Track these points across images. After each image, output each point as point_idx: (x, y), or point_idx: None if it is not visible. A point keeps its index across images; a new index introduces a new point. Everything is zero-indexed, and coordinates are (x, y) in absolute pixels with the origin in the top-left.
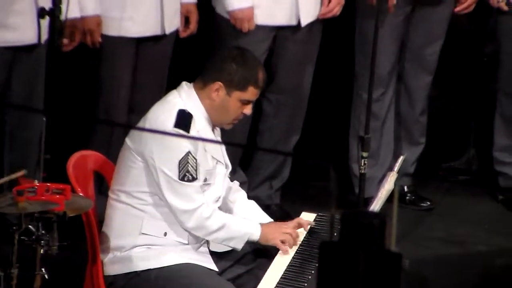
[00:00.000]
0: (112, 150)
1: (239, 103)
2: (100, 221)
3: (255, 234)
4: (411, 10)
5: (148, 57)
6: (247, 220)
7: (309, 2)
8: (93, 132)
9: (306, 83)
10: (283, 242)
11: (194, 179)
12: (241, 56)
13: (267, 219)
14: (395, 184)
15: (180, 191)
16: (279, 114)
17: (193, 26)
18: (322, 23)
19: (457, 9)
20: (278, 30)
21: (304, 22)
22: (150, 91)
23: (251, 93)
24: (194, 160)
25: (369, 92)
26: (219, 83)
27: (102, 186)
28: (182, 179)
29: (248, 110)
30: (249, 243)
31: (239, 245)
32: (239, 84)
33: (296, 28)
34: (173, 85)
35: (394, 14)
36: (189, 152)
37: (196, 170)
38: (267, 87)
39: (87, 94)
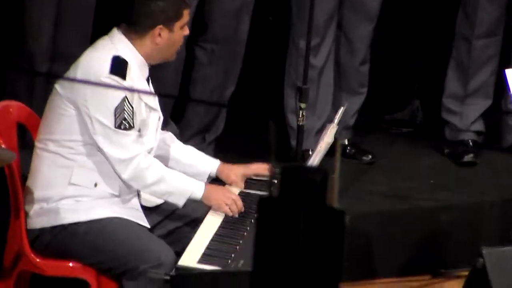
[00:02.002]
0: (36, 101)
1: (181, 31)
2: (23, 175)
3: (197, 193)
4: None
5: (71, 6)
6: (189, 177)
7: None
8: (15, 82)
9: (242, 32)
10: (226, 205)
11: (130, 127)
12: None
13: (213, 162)
14: (335, 137)
15: (116, 140)
16: (214, 63)
17: None
18: None
19: None
20: None
21: None
22: (75, 39)
23: (186, 14)
24: (131, 108)
25: (307, 41)
26: (159, 26)
27: (24, 139)
28: (119, 127)
29: (186, 31)
30: (191, 200)
31: (179, 201)
32: (176, 15)
33: None
34: (101, 32)
35: None
36: (125, 99)
37: (132, 118)
38: (201, 35)
39: (8, 43)
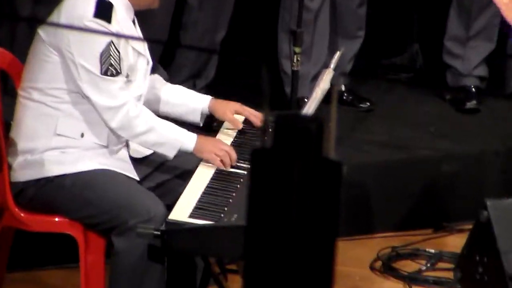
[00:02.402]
0: (18, 47)
1: None
2: (6, 124)
3: (189, 144)
4: None
5: None
6: (181, 128)
7: None
8: None
9: None
10: (218, 157)
11: (118, 73)
12: None
13: (204, 98)
14: (331, 83)
15: (103, 87)
16: (204, 6)
17: None
18: None
19: None
20: None
21: None
22: None
23: None
24: (117, 53)
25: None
26: None
27: (7, 86)
28: (105, 73)
29: None
30: (182, 152)
31: (170, 153)
32: None
33: None
34: None
35: None
36: (111, 43)
37: (119, 64)
38: None
39: None
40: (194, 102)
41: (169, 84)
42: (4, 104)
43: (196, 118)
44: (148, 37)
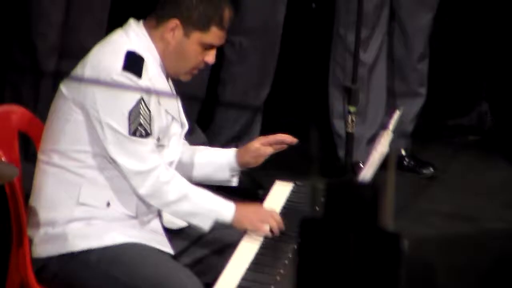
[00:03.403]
0: (40, 106)
1: (200, 47)
2: (27, 194)
3: (226, 214)
4: None
5: None
6: (217, 197)
7: None
8: (16, 83)
9: (277, 21)
10: (263, 223)
11: (148, 134)
12: None
13: (229, 151)
14: (390, 147)
15: (131, 149)
16: (245, 60)
17: None
18: None
19: None
20: None
21: None
22: (88, 32)
23: (214, 35)
24: (148, 112)
25: (357, 31)
26: (176, 20)
27: (28, 150)
28: (134, 134)
29: (210, 57)
30: (220, 224)
31: (205, 224)
32: (200, 23)
33: None
34: (117, 25)
35: None
36: (141, 100)
37: (149, 124)
38: (230, 28)
39: (10, 36)
40: (219, 158)
41: (192, 146)
42: (25, 171)
43: (225, 174)
44: (182, 94)
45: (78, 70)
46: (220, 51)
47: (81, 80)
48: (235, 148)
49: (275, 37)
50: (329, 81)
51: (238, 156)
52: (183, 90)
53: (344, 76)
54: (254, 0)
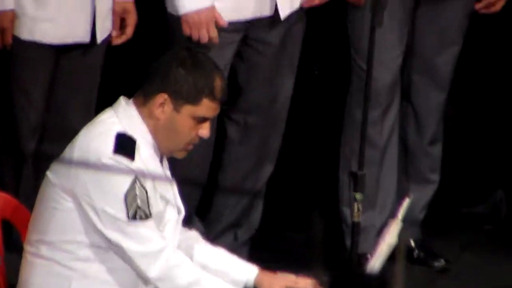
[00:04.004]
0: (22, 189)
1: (192, 121)
2: (11, 286)
3: None
4: (415, 5)
5: (72, 71)
6: (228, 285)
7: None
8: None
9: (283, 99)
10: None
11: (147, 216)
12: (191, 59)
13: (250, 269)
14: (399, 237)
15: (133, 232)
16: (249, 140)
17: (129, 30)
18: (306, 16)
19: (479, 6)
20: (248, 28)
21: (283, 12)
22: (75, 112)
23: (207, 107)
24: (144, 191)
25: (364, 112)
26: (164, 95)
27: (11, 239)
28: (133, 217)
29: (205, 131)
30: None
31: None
32: (190, 96)
33: (272, 23)
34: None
35: (394, 9)
36: (136, 181)
37: (148, 204)
38: (233, 104)
39: None
40: (237, 273)
41: (207, 244)
42: (8, 263)
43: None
44: (181, 181)
45: (66, 154)
46: (222, 130)
47: (69, 164)
48: (257, 269)
49: (281, 114)
50: (340, 165)
51: (258, 282)
52: (184, 175)
53: (353, 158)
54: (261, 74)
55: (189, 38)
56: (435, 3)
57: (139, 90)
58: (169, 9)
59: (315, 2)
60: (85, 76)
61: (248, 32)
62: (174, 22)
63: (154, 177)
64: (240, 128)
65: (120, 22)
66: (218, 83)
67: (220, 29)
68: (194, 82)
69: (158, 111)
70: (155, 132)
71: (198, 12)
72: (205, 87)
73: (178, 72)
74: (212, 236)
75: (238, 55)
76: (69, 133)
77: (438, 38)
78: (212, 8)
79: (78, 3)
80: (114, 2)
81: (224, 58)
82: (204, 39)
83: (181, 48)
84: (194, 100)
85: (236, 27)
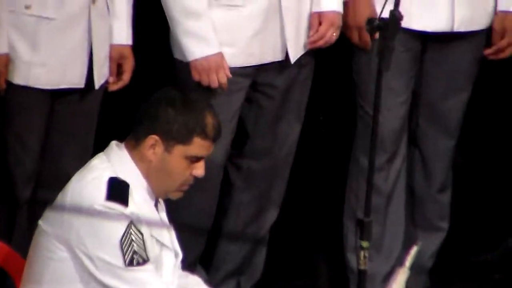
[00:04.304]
0: (16, 236)
1: (185, 161)
2: None
3: None
4: (422, 49)
5: (67, 117)
6: None
7: (298, 30)
8: None
9: (290, 144)
10: None
11: (144, 260)
12: (180, 98)
13: None
14: (406, 285)
15: (131, 279)
16: (252, 186)
17: (126, 76)
18: (314, 60)
19: (488, 52)
20: (258, 73)
21: (294, 56)
22: (71, 158)
23: (199, 146)
24: (140, 236)
25: (370, 158)
26: (154, 136)
27: (4, 286)
28: (130, 263)
29: (199, 170)
30: None
31: None
32: (180, 135)
33: (281, 67)
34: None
35: (401, 53)
36: (130, 225)
37: (144, 248)
38: (238, 150)
39: None
40: None
41: None
42: None
43: None
44: (186, 228)
45: (58, 201)
46: (225, 176)
47: (62, 212)
48: None
49: (287, 160)
50: (344, 211)
51: None
52: (189, 221)
53: (358, 205)
54: (268, 118)
55: (199, 84)
56: (443, 47)
57: (130, 133)
58: (176, 56)
59: (320, 44)
60: (81, 122)
61: (257, 78)
62: (182, 68)
63: (149, 222)
64: (244, 173)
65: (117, 68)
66: (210, 121)
67: (232, 73)
68: (184, 122)
69: (149, 153)
70: (148, 175)
71: (206, 58)
72: (196, 125)
73: (168, 112)
74: (215, 283)
75: (247, 100)
76: (65, 180)
77: (446, 84)
78: (220, 54)
79: (73, 47)
80: (111, 47)
81: (233, 104)
82: (214, 84)
83: (169, 88)
84: (185, 139)
85: (246, 72)
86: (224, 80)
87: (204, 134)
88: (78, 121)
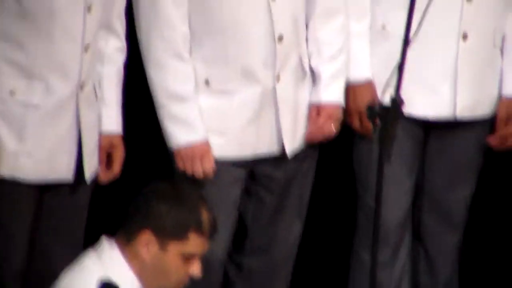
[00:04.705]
0: None
1: (180, 259)
2: None
3: None
4: (425, 138)
5: (56, 212)
6: None
7: (296, 121)
8: None
9: (291, 242)
10: None
11: None
12: (173, 192)
13: None
14: None
15: None
16: (250, 285)
17: (116, 167)
18: (317, 152)
19: (494, 142)
20: (255, 164)
21: (290, 150)
22: (60, 255)
23: (195, 243)
24: None
25: (373, 253)
26: (148, 232)
27: None
28: None
29: (195, 269)
30: None
31: None
32: (175, 231)
33: (280, 159)
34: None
35: (403, 142)
36: None
37: None
38: (237, 247)
39: None
40: None
41: None
42: None
43: None
44: None
45: None
46: (224, 275)
47: None
48: None
49: (287, 259)
50: None
51: None
52: None
53: None
54: (268, 213)
55: (184, 173)
56: (445, 136)
57: (121, 228)
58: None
59: (318, 138)
60: (71, 217)
61: (254, 168)
62: (172, 155)
63: None
64: (243, 272)
65: (107, 157)
66: (205, 216)
67: (226, 164)
68: (178, 217)
69: (143, 251)
70: (141, 274)
71: (191, 145)
72: (191, 221)
73: (160, 207)
74: None
75: (246, 192)
76: (53, 278)
77: (449, 177)
78: (206, 141)
79: (61, 137)
80: (100, 136)
81: (231, 195)
82: (199, 173)
83: (159, 181)
84: (180, 235)
85: (242, 162)
86: (209, 169)
87: (200, 230)
88: (68, 216)
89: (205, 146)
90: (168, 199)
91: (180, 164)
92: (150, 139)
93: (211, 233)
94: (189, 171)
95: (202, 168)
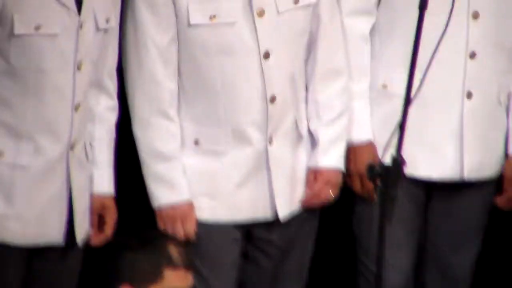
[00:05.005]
0: None
1: None
2: None
3: None
4: (428, 199)
5: (46, 276)
6: None
7: (291, 185)
8: None
9: None
10: None
11: None
12: (136, 240)
13: None
14: None
15: None
16: None
17: (108, 229)
18: (318, 215)
19: (500, 202)
20: (251, 226)
21: (283, 214)
22: None
23: (172, 279)
24: None
25: (377, 279)
26: (125, 286)
27: None
28: None
29: None
30: None
31: None
32: (149, 276)
33: (277, 222)
34: None
35: (404, 203)
36: None
37: None
38: None
39: None
40: None
41: None
42: None
43: None
44: None
45: None
46: None
47: None
48: None
49: None
50: None
51: None
52: None
53: None
54: (266, 279)
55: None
56: (451, 199)
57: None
58: None
59: (315, 203)
60: (61, 282)
61: (251, 230)
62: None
63: None
64: None
65: (98, 219)
66: (173, 249)
67: (220, 223)
68: (147, 260)
69: None
70: None
71: (172, 206)
72: (161, 259)
73: (127, 258)
74: None
75: (244, 255)
76: None
77: (455, 238)
78: (189, 202)
79: (51, 199)
80: (91, 197)
81: (230, 253)
82: (180, 235)
83: (123, 236)
84: (155, 278)
85: (236, 224)
86: (191, 231)
87: (172, 265)
88: (58, 281)
89: (188, 207)
90: (133, 248)
91: (161, 224)
92: (143, 200)
93: (186, 263)
94: (170, 231)
95: (183, 230)
